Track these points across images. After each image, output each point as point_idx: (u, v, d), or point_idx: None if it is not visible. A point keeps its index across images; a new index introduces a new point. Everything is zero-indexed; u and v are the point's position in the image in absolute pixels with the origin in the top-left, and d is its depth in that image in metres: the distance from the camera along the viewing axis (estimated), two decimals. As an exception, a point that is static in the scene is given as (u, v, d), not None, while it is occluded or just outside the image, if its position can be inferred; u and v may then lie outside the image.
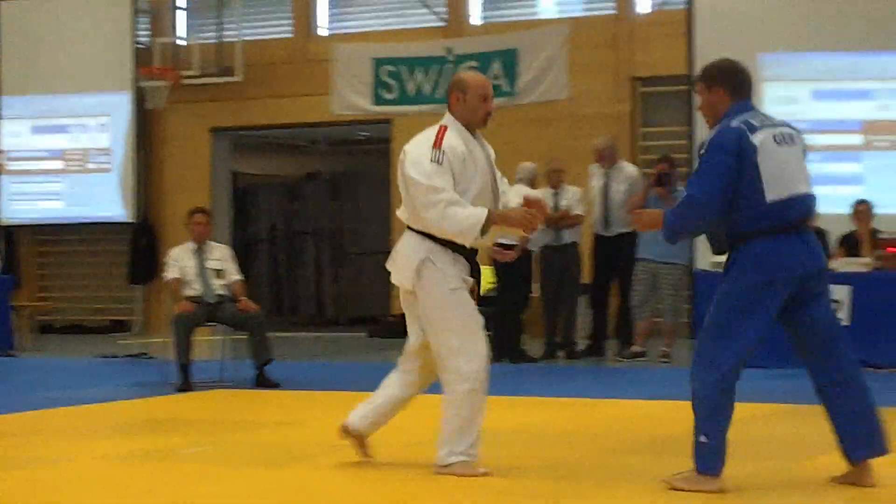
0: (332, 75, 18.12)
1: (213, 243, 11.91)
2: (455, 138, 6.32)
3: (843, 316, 12.37)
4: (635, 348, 13.79)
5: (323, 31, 20.58)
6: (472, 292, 6.43)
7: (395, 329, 18.44)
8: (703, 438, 5.82)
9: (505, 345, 13.60)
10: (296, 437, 8.16)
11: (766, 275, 5.86)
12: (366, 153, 23.35)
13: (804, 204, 6.00)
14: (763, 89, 16.22)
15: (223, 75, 20.13)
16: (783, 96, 16.28)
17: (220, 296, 11.54)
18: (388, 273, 6.58)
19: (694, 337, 12.79)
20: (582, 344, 14.48)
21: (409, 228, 6.45)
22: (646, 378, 12.17)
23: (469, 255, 6.42)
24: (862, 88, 16.20)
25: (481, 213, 6.24)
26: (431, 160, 6.24)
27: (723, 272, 6.05)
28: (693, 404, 5.88)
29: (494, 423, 6.96)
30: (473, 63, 16.65)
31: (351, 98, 17.78)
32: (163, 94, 20.11)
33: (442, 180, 6.22)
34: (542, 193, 14.37)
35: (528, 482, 6.33)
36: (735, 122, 5.93)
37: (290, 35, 20.58)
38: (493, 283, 13.75)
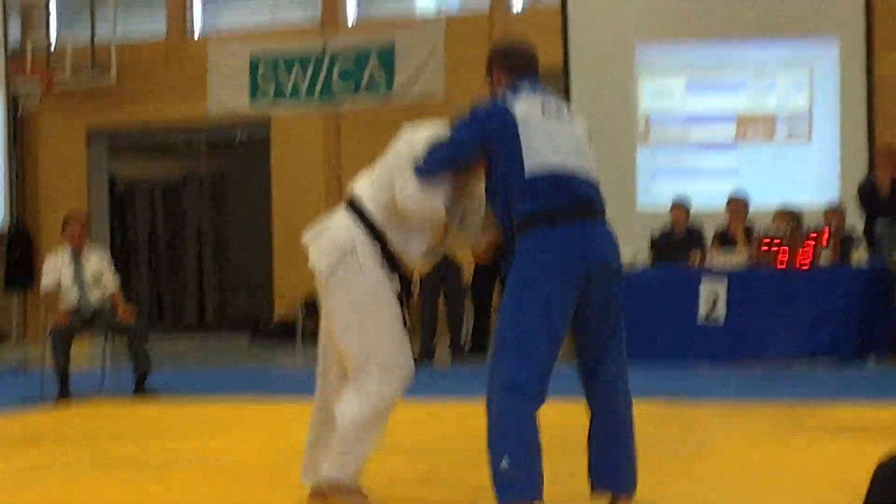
0: (208, 74, 17.96)
1: (90, 249, 11.68)
2: None
3: (719, 311, 12.55)
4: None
5: (198, 30, 20.37)
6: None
7: (277, 334, 18.49)
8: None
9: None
10: (167, 448, 8.06)
11: (539, 266, 5.05)
12: (244, 155, 23.15)
13: (574, 184, 5.16)
14: (639, 83, 16.33)
15: (97, 77, 19.88)
16: (658, 90, 16.37)
17: (97, 304, 11.35)
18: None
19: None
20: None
21: None
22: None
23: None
24: (735, 80, 16.30)
25: None
26: None
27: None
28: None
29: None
30: (350, 60, 16.59)
31: (227, 97, 17.64)
32: (35, 96, 19.78)
33: None
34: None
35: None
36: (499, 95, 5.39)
37: (163, 36, 20.33)
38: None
